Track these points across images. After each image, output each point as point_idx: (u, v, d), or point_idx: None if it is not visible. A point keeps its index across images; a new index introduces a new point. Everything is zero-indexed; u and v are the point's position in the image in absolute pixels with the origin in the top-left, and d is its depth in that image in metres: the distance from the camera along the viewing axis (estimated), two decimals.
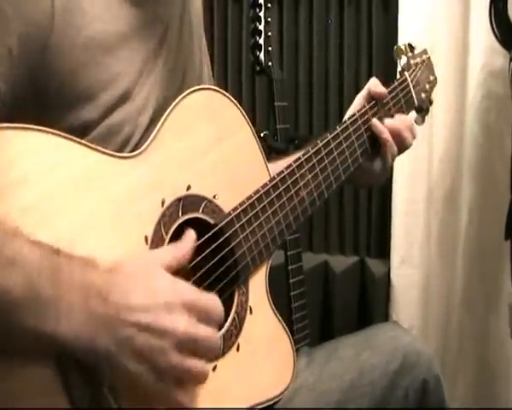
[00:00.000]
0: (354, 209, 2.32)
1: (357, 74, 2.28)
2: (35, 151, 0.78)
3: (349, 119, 1.19)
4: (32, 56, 0.83)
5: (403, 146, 1.23)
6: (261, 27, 1.80)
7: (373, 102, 1.23)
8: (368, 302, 2.28)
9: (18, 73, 0.82)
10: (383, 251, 2.29)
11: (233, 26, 2.24)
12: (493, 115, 2.15)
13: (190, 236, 0.90)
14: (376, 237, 2.32)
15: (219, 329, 0.93)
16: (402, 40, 2.13)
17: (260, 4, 1.80)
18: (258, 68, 1.84)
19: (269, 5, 1.81)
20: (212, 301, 0.83)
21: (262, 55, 1.81)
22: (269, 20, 1.81)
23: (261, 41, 1.81)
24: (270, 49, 1.82)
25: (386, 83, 2.26)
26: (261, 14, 1.80)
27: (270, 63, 1.82)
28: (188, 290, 0.81)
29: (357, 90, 2.25)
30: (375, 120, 1.21)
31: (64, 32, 0.85)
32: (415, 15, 2.13)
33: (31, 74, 0.84)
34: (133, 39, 0.95)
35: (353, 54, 2.27)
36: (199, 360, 0.80)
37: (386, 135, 1.20)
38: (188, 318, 0.78)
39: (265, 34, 1.81)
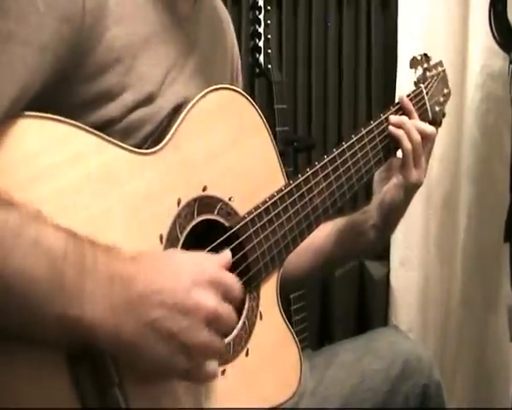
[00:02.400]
0: (353, 211, 2.32)
1: (356, 77, 2.28)
2: (57, 143, 0.78)
3: (364, 128, 1.18)
4: (64, 54, 0.82)
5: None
6: (260, 30, 1.80)
7: (389, 113, 1.22)
8: (367, 305, 2.28)
9: (50, 68, 0.81)
10: (382, 253, 2.29)
11: None
12: (492, 117, 2.15)
13: (227, 253, 0.88)
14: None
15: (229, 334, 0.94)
16: (401, 43, 2.14)
17: (260, 7, 1.79)
18: (257, 71, 1.84)
19: (268, 8, 1.81)
20: (233, 279, 0.83)
21: (261, 58, 1.81)
22: (268, 22, 1.81)
23: (260, 43, 1.80)
24: (269, 51, 1.81)
25: (384, 85, 2.27)
26: (260, 16, 1.80)
27: (269, 66, 1.82)
28: (212, 267, 0.81)
29: (356, 93, 2.29)
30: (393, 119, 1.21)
31: (91, 31, 0.84)
32: (414, 18, 2.14)
33: (60, 72, 0.83)
34: (159, 44, 0.94)
35: (352, 56, 2.28)
36: (221, 336, 0.79)
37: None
38: (215, 294, 0.78)
39: (265, 37, 1.80)
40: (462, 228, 2.21)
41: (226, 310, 0.79)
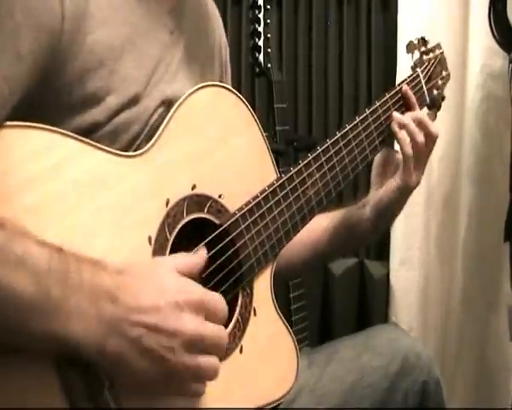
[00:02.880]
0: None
1: (356, 76, 2.29)
2: (41, 150, 0.78)
3: (359, 117, 1.16)
4: (43, 62, 0.83)
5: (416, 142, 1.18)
6: (260, 29, 1.80)
7: (383, 100, 1.20)
8: (367, 304, 2.28)
9: (28, 77, 0.81)
10: (382, 253, 2.29)
11: (232, 28, 2.24)
12: (492, 117, 2.15)
13: (202, 250, 0.90)
14: (375, 238, 2.32)
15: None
16: (401, 41, 2.14)
17: (259, 6, 1.80)
18: (257, 70, 1.84)
19: (268, 7, 1.81)
20: (218, 299, 0.83)
21: (261, 57, 1.81)
22: (268, 21, 1.81)
23: (260, 43, 1.81)
24: (269, 50, 1.82)
25: (385, 83, 2.27)
26: (260, 15, 1.80)
27: (269, 65, 1.82)
28: (196, 290, 0.82)
29: (357, 92, 2.29)
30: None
31: (72, 37, 0.85)
32: (414, 16, 2.14)
33: (41, 79, 0.83)
34: (142, 42, 0.94)
35: (353, 55, 2.28)
36: (209, 357, 0.80)
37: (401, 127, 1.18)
38: (196, 317, 0.79)
39: (265, 36, 1.81)
40: (463, 228, 2.21)
41: (209, 331, 0.80)
